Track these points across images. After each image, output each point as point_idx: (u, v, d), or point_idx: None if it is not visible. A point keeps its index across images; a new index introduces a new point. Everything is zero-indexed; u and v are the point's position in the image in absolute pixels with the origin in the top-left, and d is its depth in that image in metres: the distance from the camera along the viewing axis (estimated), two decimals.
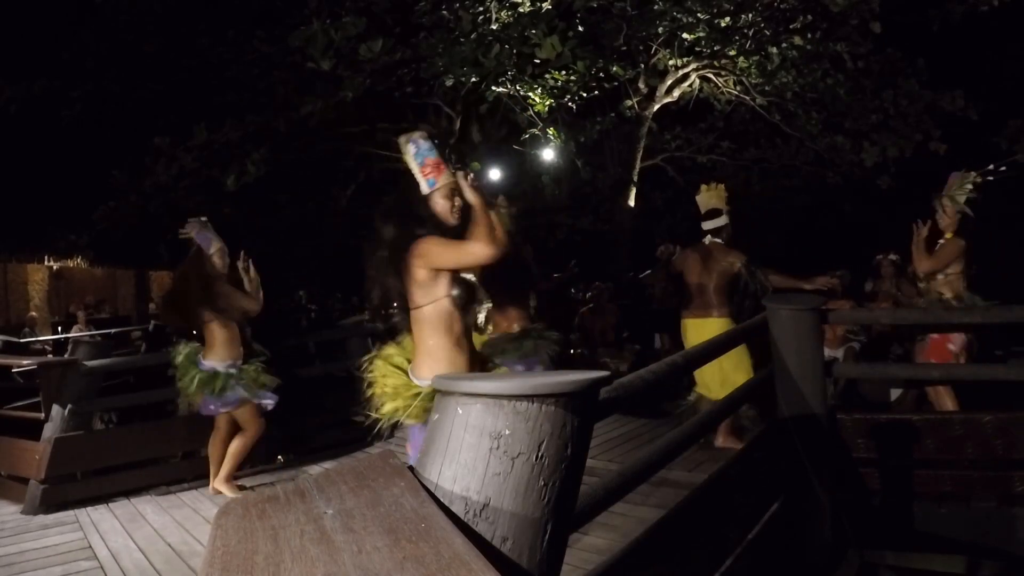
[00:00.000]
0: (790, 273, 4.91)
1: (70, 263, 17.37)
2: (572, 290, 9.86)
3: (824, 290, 4.67)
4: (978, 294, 4.47)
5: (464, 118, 12.93)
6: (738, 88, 12.19)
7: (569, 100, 11.04)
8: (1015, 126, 11.32)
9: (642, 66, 11.52)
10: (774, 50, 10.85)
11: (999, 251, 4.39)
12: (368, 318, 4.48)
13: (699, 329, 4.95)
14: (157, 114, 12.57)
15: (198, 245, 4.37)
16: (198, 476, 4.97)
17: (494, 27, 9.67)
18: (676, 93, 12.23)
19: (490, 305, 2.58)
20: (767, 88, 11.69)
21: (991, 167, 4.47)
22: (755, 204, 14.47)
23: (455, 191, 2.45)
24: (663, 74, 11.81)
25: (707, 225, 5.17)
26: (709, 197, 5.23)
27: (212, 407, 4.36)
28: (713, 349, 3.29)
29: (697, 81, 12.28)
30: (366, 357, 2.57)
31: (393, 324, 2.54)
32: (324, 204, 14.69)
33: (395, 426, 2.47)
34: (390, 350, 2.53)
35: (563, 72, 10.38)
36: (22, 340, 9.93)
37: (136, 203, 11.84)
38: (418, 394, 2.35)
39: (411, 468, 1.37)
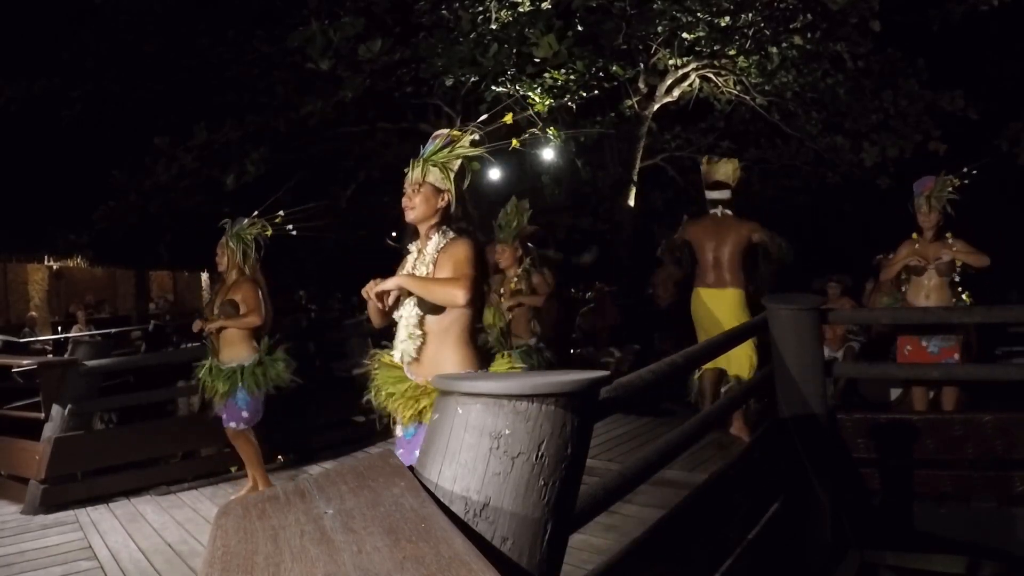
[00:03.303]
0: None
1: (70, 263, 17.37)
2: (572, 290, 9.87)
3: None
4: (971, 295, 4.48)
5: (464, 118, 12.93)
6: (738, 88, 12.19)
7: (569, 100, 11.04)
8: (1016, 128, 11.31)
9: (642, 66, 11.52)
10: (774, 50, 10.85)
11: (999, 252, 4.39)
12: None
13: (715, 299, 4.91)
14: (157, 114, 12.56)
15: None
16: (198, 476, 4.98)
17: (493, 27, 9.66)
18: (676, 93, 12.23)
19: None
20: (767, 88, 11.69)
21: (965, 170, 4.48)
22: (755, 204, 14.46)
23: (411, 185, 2.44)
24: (663, 74, 11.81)
25: (716, 195, 5.04)
26: (719, 168, 5.12)
27: (224, 416, 4.31)
28: (714, 348, 3.30)
29: (697, 81, 12.28)
30: (369, 362, 2.54)
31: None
32: (324, 204, 14.69)
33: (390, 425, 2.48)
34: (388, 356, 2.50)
35: (563, 72, 10.38)
36: (22, 340, 9.93)
37: (136, 203, 11.84)
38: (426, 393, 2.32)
39: (411, 468, 1.37)
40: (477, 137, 2.42)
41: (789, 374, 3.50)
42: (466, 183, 2.48)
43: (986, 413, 3.62)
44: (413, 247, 2.53)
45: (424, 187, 2.41)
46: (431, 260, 2.39)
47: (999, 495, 3.60)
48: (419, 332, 2.36)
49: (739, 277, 4.90)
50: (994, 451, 3.56)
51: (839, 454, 3.69)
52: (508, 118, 2.41)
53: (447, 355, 2.34)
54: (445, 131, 2.48)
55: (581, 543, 3.30)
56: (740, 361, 4.77)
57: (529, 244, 4.89)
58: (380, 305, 2.35)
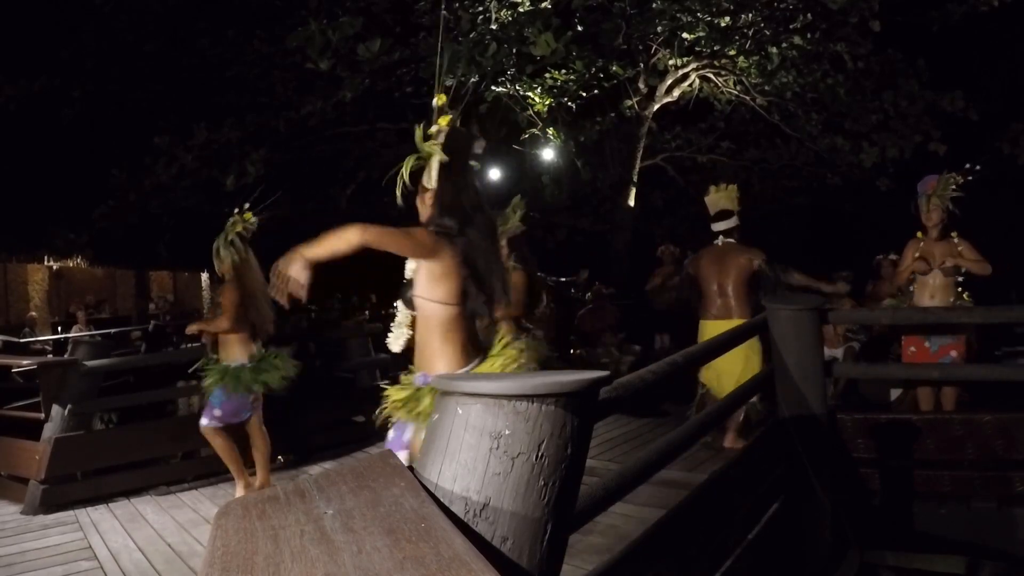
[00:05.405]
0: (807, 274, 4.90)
1: (70, 263, 17.38)
2: (572, 290, 9.86)
3: (836, 294, 4.71)
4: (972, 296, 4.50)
5: (464, 118, 12.92)
6: (738, 88, 12.18)
7: (569, 100, 11.04)
8: (1016, 129, 11.30)
9: (642, 66, 11.52)
10: (774, 50, 10.85)
11: (1000, 252, 4.40)
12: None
13: (720, 331, 4.86)
14: (157, 114, 12.58)
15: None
16: (198, 476, 4.98)
17: (493, 27, 9.67)
18: (676, 93, 12.22)
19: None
20: (767, 88, 11.68)
21: (967, 166, 4.50)
22: (755, 205, 14.47)
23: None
24: (663, 74, 11.80)
25: (719, 226, 5.06)
26: (719, 198, 5.14)
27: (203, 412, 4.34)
28: (714, 349, 3.29)
29: (697, 81, 12.28)
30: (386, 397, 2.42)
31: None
32: (324, 204, 14.70)
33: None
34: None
35: (562, 72, 10.38)
36: (22, 340, 9.93)
37: (136, 203, 11.85)
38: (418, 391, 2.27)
39: (411, 468, 1.37)
40: (449, 119, 2.42)
41: (789, 374, 3.50)
42: (471, 163, 2.42)
43: (986, 413, 3.62)
44: None
45: (426, 191, 2.35)
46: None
47: (999, 495, 3.60)
48: (403, 324, 2.38)
49: (745, 307, 4.84)
50: (994, 451, 3.56)
51: (839, 454, 3.69)
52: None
53: (434, 348, 2.27)
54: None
55: (581, 543, 3.30)
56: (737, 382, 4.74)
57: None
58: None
